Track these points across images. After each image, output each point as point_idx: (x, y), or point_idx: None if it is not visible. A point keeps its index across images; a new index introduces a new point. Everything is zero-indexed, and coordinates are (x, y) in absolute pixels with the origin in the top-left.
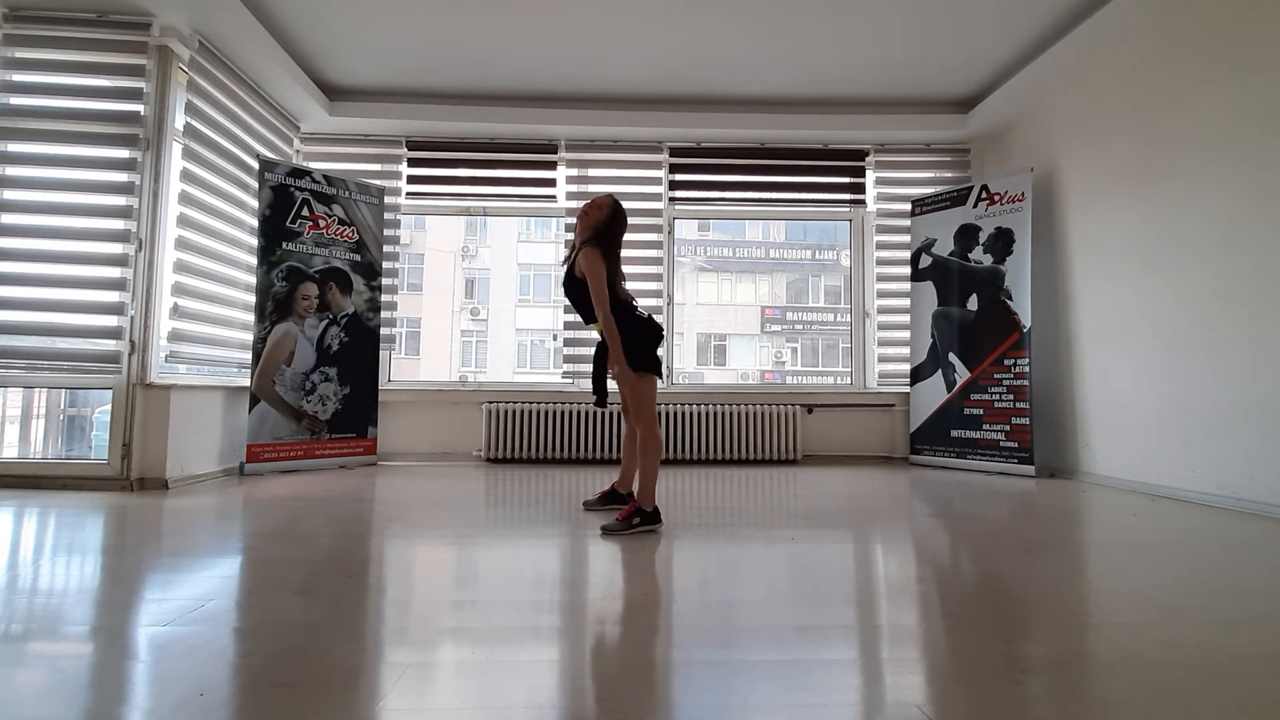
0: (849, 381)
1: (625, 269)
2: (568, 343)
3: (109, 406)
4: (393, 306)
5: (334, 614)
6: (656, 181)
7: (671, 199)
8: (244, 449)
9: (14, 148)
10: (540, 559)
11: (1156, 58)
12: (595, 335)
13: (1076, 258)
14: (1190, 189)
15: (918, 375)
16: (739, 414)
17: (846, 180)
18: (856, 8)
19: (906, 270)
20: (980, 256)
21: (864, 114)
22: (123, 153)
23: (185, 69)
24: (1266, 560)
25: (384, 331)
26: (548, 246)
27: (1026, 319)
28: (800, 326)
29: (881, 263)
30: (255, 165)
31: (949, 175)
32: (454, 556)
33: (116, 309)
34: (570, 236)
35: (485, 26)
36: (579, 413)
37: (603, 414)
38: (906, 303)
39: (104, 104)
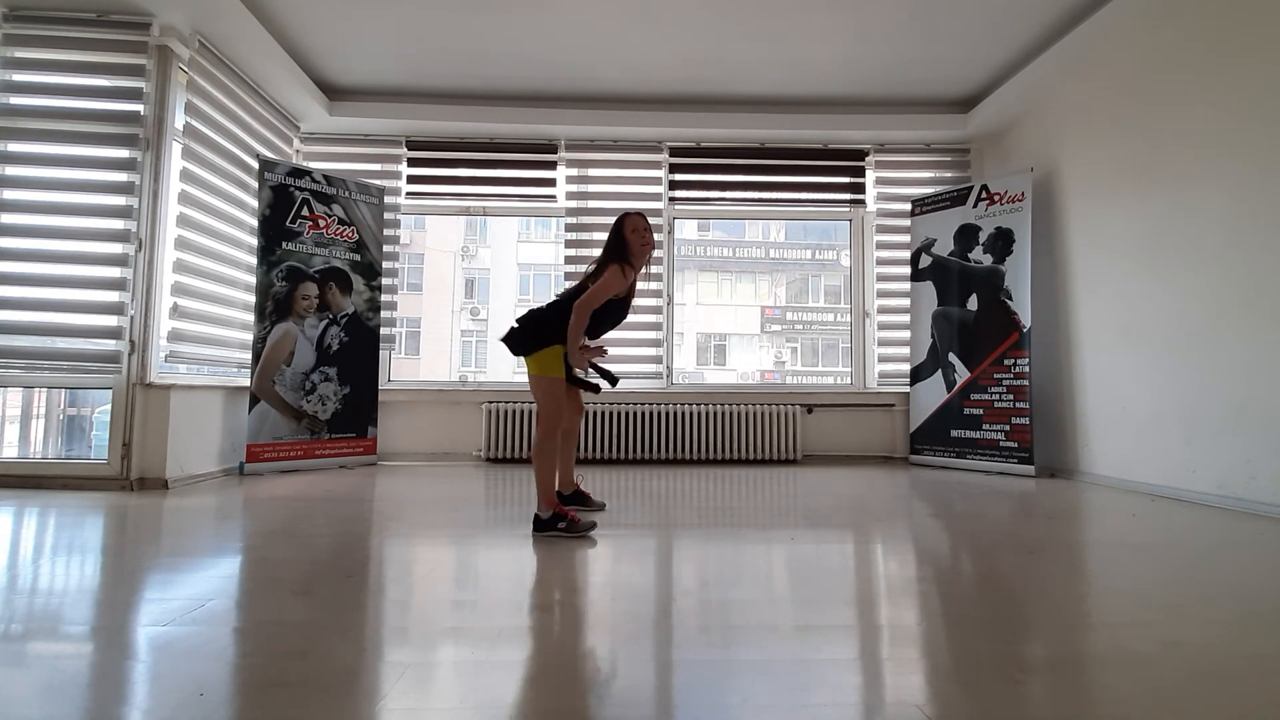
0: (849, 381)
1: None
2: None
3: (109, 406)
4: (393, 306)
5: (334, 614)
6: (656, 181)
7: (671, 199)
8: (244, 449)
9: (14, 148)
10: (540, 559)
11: (1156, 57)
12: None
13: (1076, 258)
14: (1190, 189)
15: (918, 375)
16: (739, 414)
17: (846, 180)
18: (857, 7)
19: (906, 270)
20: (980, 256)
21: (864, 114)
22: (123, 153)
23: (185, 69)
24: (1266, 560)
25: (384, 331)
26: (548, 246)
27: (1026, 319)
28: (800, 326)
29: (881, 263)
30: (255, 165)
31: (949, 175)
32: (454, 556)
33: (116, 309)
34: (571, 237)
35: (485, 26)
36: None
37: (602, 414)
38: (906, 303)
39: (104, 104)
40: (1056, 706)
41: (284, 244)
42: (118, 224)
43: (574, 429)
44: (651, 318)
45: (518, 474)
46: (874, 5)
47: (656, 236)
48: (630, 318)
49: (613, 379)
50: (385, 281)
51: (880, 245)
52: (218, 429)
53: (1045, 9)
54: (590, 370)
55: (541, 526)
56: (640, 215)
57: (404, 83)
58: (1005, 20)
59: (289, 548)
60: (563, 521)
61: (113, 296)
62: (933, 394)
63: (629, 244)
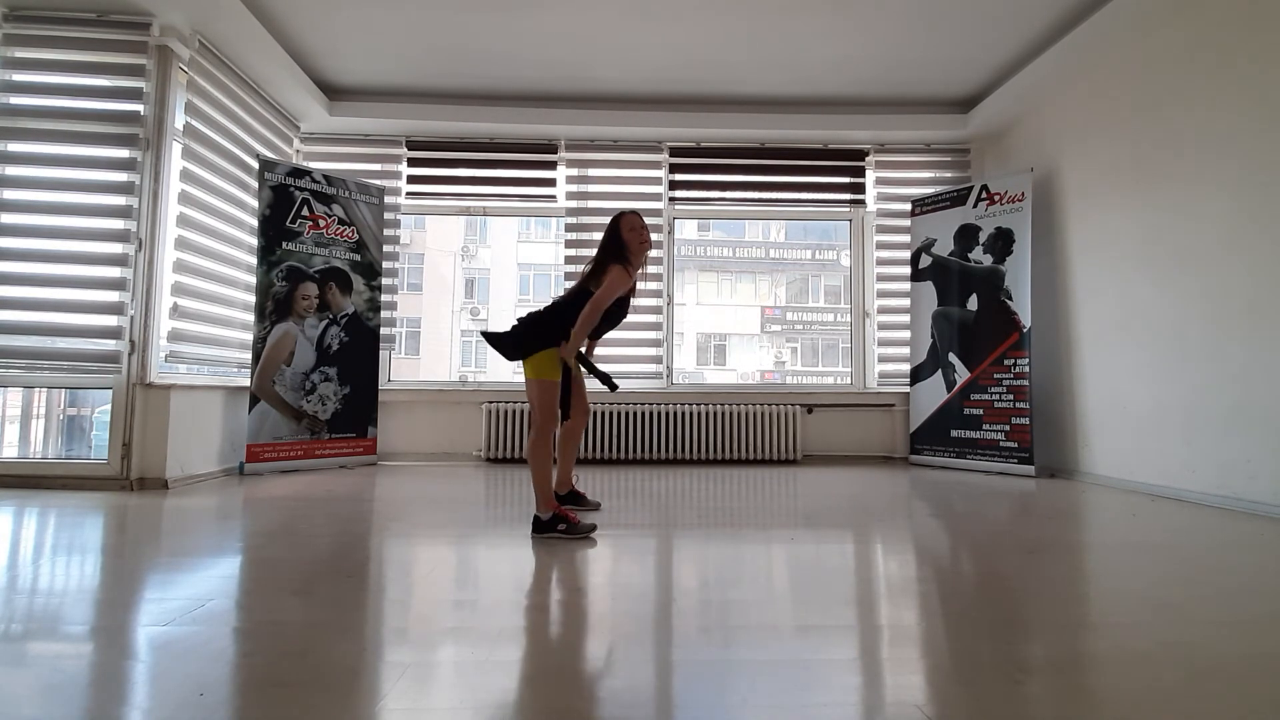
0: (849, 381)
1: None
2: None
3: (109, 406)
4: (393, 306)
5: (334, 614)
6: (656, 181)
7: (671, 199)
8: (244, 449)
9: (14, 148)
10: (540, 559)
11: (1156, 58)
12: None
13: (1076, 258)
14: (1190, 189)
15: (918, 375)
16: (739, 414)
17: (846, 180)
18: (857, 7)
19: (906, 270)
20: (980, 256)
21: (864, 114)
22: (123, 152)
23: (185, 69)
24: (1266, 560)
25: (384, 331)
26: (548, 246)
27: (1026, 319)
28: (800, 326)
29: (881, 263)
30: (255, 165)
31: (949, 175)
32: (454, 556)
33: (116, 309)
34: (571, 237)
35: (485, 26)
36: None
37: (602, 414)
38: (906, 303)
39: (104, 104)
40: (1056, 706)
41: (284, 244)
42: (118, 224)
43: (579, 430)
44: (651, 318)
45: (518, 474)
46: (874, 5)
47: (656, 237)
48: (630, 317)
49: (611, 385)
50: (385, 281)
51: (880, 245)
52: (218, 429)
53: (1045, 9)
54: (585, 370)
55: (541, 528)
56: (636, 214)
57: (404, 83)
58: (1005, 20)
59: (289, 548)
60: (563, 524)
61: (113, 296)
62: (933, 394)
63: (627, 243)
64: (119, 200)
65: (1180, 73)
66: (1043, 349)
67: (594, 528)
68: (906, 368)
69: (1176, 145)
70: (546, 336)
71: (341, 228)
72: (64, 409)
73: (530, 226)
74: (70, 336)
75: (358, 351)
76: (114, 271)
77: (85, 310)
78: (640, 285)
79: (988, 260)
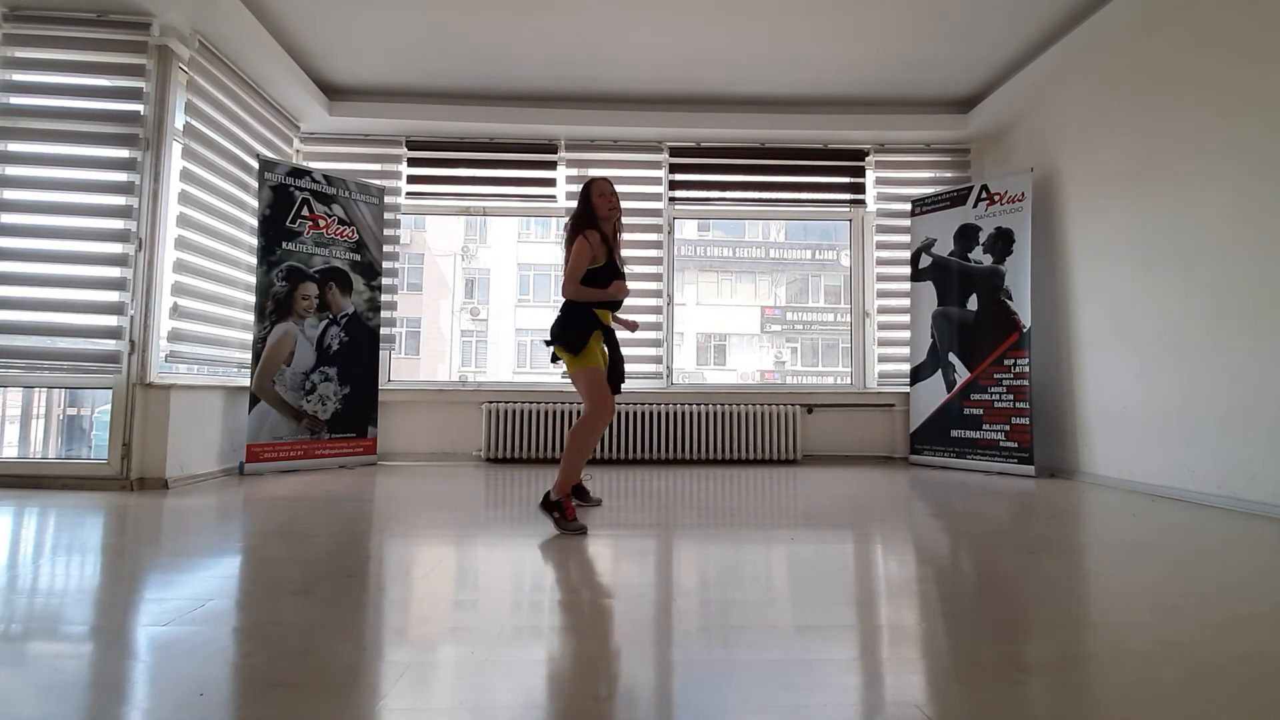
0: (849, 381)
1: (626, 269)
2: None
3: (109, 406)
4: (393, 306)
5: (334, 614)
6: (656, 181)
7: (671, 199)
8: (244, 449)
9: (14, 148)
10: (539, 559)
11: (1156, 58)
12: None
13: (1076, 258)
14: (1190, 189)
15: (918, 375)
16: (739, 414)
17: (846, 180)
18: (857, 8)
19: (906, 270)
20: (980, 256)
21: (864, 114)
22: (123, 152)
23: (185, 69)
24: (1266, 560)
25: (384, 331)
26: (547, 246)
27: (1026, 319)
28: (800, 326)
29: (881, 263)
30: (255, 165)
31: (949, 175)
32: (454, 556)
33: (116, 309)
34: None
35: (485, 26)
36: (578, 413)
37: None
38: (906, 303)
39: (104, 104)
40: (1056, 706)
41: (284, 244)
42: (118, 224)
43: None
44: (652, 318)
45: (518, 474)
46: (874, 6)
47: (656, 237)
48: (629, 317)
49: (631, 326)
50: (385, 281)
51: (880, 245)
52: (218, 429)
53: (1045, 9)
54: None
55: (547, 506)
56: (605, 180)
57: (404, 83)
58: (1005, 21)
59: (289, 548)
60: (559, 513)
61: (113, 296)
62: (933, 394)
63: (596, 208)
64: (119, 200)
65: (1180, 73)
66: (1043, 349)
67: (584, 530)
68: (906, 368)
69: (1177, 145)
70: (581, 327)
71: (341, 228)
72: (64, 409)
73: (530, 226)
74: (70, 336)
75: (358, 351)
76: (114, 271)
77: (85, 310)
78: (643, 285)
79: (988, 260)
